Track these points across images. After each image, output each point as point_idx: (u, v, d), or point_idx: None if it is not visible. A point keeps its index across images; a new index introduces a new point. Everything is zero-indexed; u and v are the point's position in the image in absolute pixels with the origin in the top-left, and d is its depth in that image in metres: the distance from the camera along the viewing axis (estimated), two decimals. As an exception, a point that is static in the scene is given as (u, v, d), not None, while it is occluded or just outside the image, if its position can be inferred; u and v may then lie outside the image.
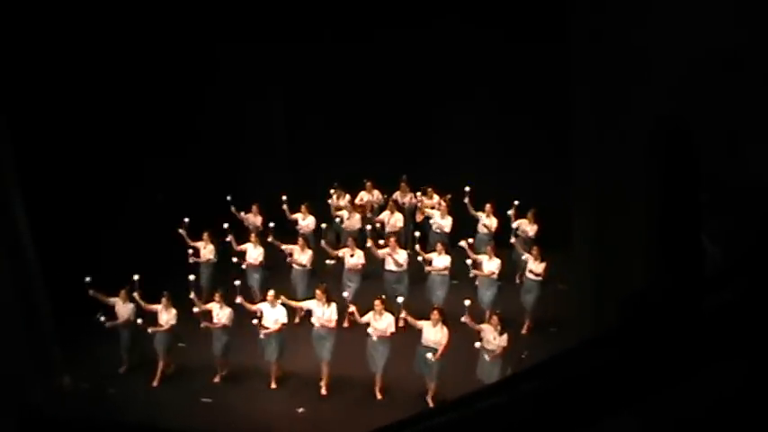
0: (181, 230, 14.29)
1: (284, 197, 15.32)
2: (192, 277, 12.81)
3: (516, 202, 14.68)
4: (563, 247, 12.40)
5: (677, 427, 2.37)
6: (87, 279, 12.23)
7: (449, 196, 15.28)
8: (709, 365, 2.16)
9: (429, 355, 11.10)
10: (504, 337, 11.03)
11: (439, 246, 13.67)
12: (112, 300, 12.47)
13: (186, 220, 14.36)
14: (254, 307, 12.19)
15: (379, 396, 11.77)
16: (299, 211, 15.26)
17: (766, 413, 2.18)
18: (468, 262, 13.16)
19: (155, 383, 12.33)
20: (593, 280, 9.69)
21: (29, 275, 12.05)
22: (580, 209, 10.44)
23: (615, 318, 2.35)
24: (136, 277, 12.48)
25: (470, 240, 13.94)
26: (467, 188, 14.89)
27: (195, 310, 12.34)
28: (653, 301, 2.31)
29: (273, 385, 12.20)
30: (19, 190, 11.95)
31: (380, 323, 11.52)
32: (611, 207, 8.97)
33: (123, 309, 12.47)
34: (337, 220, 15.50)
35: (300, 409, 11.58)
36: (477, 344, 11.08)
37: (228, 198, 15.40)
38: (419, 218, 15.64)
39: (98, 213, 13.78)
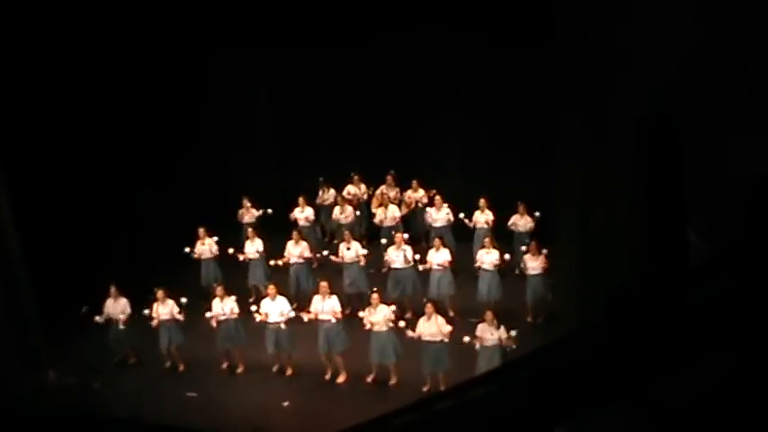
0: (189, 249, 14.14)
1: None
2: None
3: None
4: (549, 242, 12.42)
5: (663, 419, 2.40)
6: (84, 308, 12.16)
7: (434, 191, 15.30)
8: (694, 359, 2.19)
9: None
10: (503, 328, 10.95)
11: (437, 241, 13.44)
12: (104, 313, 12.34)
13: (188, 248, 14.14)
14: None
15: (393, 382, 11.75)
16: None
17: (751, 406, 2.21)
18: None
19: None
20: (579, 273, 9.75)
21: (14, 273, 12.02)
22: (565, 204, 10.49)
23: (601, 311, 2.37)
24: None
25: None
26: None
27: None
28: (639, 293, 2.34)
29: (289, 372, 12.27)
30: (5, 191, 11.90)
31: (376, 316, 11.50)
32: (596, 202, 9.03)
33: (116, 306, 12.36)
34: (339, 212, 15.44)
35: (285, 403, 11.58)
36: (477, 345, 10.91)
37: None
38: (404, 211, 15.61)
39: (83, 213, 13.67)
